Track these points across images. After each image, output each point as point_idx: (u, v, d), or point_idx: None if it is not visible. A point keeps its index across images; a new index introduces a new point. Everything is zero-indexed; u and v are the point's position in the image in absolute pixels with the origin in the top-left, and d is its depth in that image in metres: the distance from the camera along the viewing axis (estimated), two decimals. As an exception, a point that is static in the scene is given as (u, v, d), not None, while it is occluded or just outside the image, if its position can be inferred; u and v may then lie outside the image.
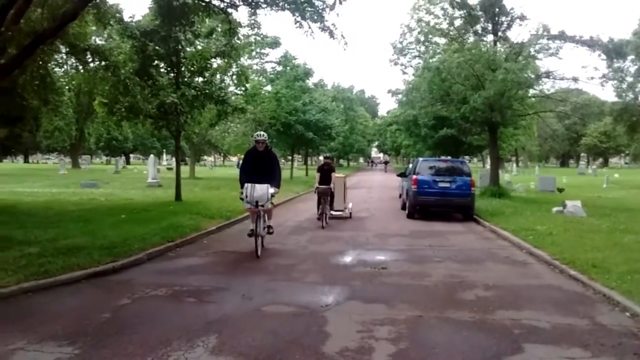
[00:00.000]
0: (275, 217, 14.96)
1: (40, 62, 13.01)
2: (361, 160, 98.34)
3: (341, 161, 79.31)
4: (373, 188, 30.66)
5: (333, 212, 14.79)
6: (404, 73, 28.26)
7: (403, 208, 17.46)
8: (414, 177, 15.65)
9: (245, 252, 9.54)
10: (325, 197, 13.74)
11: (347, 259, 9.24)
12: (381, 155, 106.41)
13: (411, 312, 5.94)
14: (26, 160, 64.47)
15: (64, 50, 14.82)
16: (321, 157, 17.23)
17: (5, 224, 10.59)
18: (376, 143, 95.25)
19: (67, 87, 21.15)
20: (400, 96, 28.22)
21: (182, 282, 7.14)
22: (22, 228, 10.23)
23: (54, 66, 17.97)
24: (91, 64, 14.62)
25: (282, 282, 7.41)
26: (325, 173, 14.18)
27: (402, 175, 19.38)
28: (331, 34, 11.28)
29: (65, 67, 20.99)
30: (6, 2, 9.13)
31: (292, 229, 13.05)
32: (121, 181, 29.23)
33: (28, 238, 9.18)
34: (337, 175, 15.48)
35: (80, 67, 15.78)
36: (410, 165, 20.69)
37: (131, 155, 75.29)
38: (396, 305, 6.19)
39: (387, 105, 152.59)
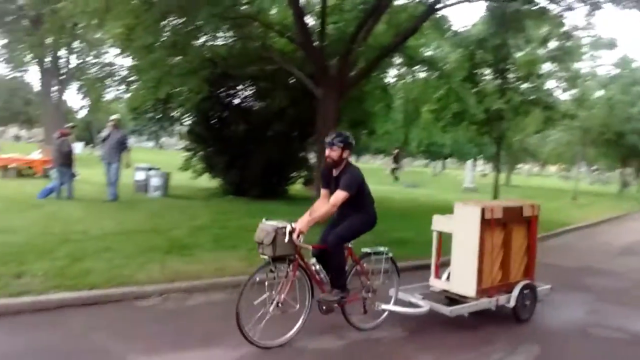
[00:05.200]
0: (603, 234, 13.84)
1: (380, 73, 14.71)
2: None
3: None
4: None
5: (405, 308, 5.31)
6: None
7: None
8: None
9: (569, 267, 9.07)
10: (281, 262, 4.56)
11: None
12: None
13: None
14: (357, 161, 72.72)
15: (398, 61, 16.36)
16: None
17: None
18: None
19: (397, 95, 23.11)
20: None
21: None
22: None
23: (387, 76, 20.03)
24: (422, 74, 15.82)
25: (611, 305, 6.80)
26: (334, 182, 5.01)
27: None
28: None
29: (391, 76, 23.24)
30: (361, 22, 10.63)
31: (622, 249, 11.75)
32: (438, 184, 30.51)
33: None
34: (471, 202, 5.95)
35: (410, 76, 17.18)
36: None
37: (447, 160, 77.63)
38: None
39: None
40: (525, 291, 5.74)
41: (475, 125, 16.42)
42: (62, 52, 33.25)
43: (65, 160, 11.87)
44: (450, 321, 5.27)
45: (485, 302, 5.48)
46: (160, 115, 16.02)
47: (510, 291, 5.66)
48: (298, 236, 4.48)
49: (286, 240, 4.43)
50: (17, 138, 78.24)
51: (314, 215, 4.80)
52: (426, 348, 4.77)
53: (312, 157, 15.03)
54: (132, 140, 14.11)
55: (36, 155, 18.52)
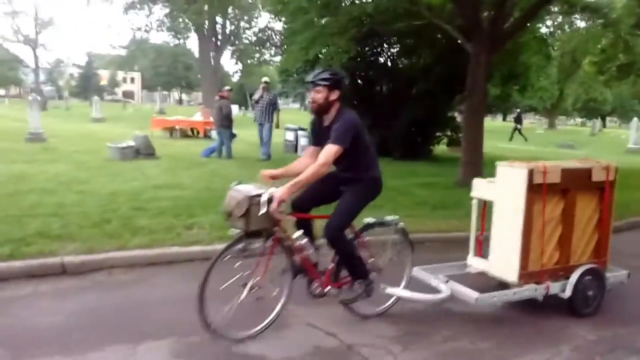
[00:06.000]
0: None
1: (537, 23, 13.68)
2: None
3: None
4: None
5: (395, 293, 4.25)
6: None
7: None
8: None
9: None
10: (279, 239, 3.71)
11: None
12: None
13: None
14: (504, 119, 68.76)
15: (554, 9, 15.04)
16: None
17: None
18: None
19: (553, 47, 21.56)
20: None
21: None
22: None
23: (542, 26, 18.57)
24: (583, 23, 14.42)
25: None
26: (326, 135, 3.77)
27: None
28: None
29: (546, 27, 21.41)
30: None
31: None
32: (598, 144, 28.06)
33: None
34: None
35: (567, 26, 15.79)
36: None
37: (607, 119, 70.75)
38: None
39: None
40: (587, 277, 4.41)
41: (646, 78, 14.74)
42: (219, 19, 35.46)
43: (225, 121, 12.80)
44: (613, 290, 4.91)
45: (529, 290, 4.29)
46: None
47: (568, 277, 4.39)
48: (278, 205, 3.47)
49: (263, 211, 3.42)
50: (179, 101, 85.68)
51: (300, 177, 3.56)
52: (584, 317, 4.53)
53: (458, 117, 14.59)
54: (280, 102, 14.80)
55: (198, 117, 20.17)
